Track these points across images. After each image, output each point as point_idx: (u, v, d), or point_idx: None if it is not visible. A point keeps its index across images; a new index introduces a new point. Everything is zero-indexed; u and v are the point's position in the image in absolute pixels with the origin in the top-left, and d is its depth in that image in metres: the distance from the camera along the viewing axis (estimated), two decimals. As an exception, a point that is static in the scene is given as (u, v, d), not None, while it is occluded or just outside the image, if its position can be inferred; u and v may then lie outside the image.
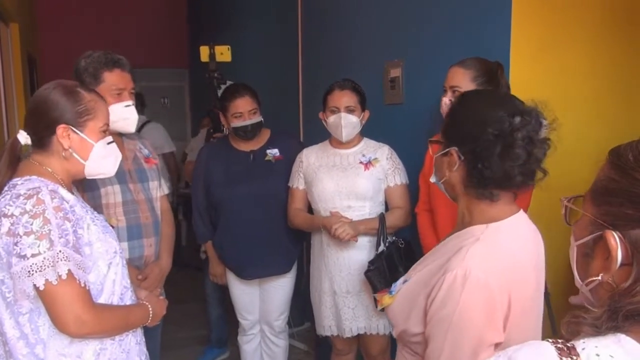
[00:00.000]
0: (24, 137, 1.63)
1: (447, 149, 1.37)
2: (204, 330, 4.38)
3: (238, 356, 3.39)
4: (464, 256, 1.25)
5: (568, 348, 0.79)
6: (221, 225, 3.02)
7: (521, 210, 1.39)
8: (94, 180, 2.18)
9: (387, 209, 2.72)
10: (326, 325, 2.76)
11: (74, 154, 1.65)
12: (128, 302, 1.74)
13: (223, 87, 3.56)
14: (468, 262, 1.23)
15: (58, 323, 1.53)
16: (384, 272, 2.40)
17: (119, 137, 2.30)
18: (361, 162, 2.66)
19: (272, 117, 3.21)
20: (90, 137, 1.67)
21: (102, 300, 1.63)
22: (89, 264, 1.59)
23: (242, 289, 3.12)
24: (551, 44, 2.50)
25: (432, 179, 1.48)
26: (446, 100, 2.25)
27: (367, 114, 2.68)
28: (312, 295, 2.85)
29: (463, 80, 2.22)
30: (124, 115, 2.24)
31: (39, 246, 1.47)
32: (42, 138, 1.63)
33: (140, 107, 5.15)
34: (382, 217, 2.57)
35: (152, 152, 2.57)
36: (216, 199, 2.99)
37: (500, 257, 1.28)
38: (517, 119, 1.27)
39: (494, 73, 2.22)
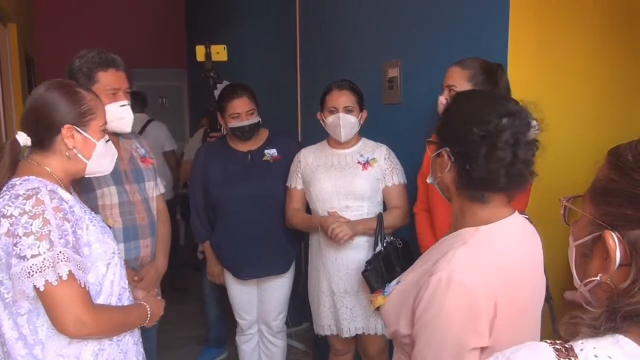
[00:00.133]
0: (23, 139, 1.63)
1: (440, 150, 1.36)
2: (202, 330, 4.38)
3: (236, 356, 3.39)
4: (449, 260, 1.24)
5: (566, 349, 0.79)
6: (219, 225, 3.01)
7: (516, 213, 1.37)
8: (90, 182, 2.18)
9: (385, 209, 2.72)
10: (325, 325, 2.76)
11: (78, 154, 1.66)
12: (126, 303, 1.74)
13: (220, 86, 3.57)
14: (453, 266, 1.23)
15: (57, 324, 1.53)
16: (382, 272, 2.40)
17: (116, 137, 2.29)
18: (359, 163, 2.66)
19: (270, 117, 3.20)
20: (93, 137, 1.68)
21: (100, 301, 1.63)
22: (88, 265, 1.59)
23: (240, 289, 3.12)
24: (549, 45, 2.50)
25: (429, 180, 1.47)
26: (442, 100, 2.25)
27: (365, 114, 2.68)
28: (310, 295, 2.85)
29: (460, 79, 2.22)
30: (120, 115, 2.23)
31: (39, 247, 1.47)
32: (45, 139, 1.63)
33: (142, 106, 5.24)
34: (380, 218, 2.57)
35: (149, 152, 2.56)
36: (214, 199, 2.98)
37: (488, 261, 1.26)
38: (504, 120, 1.25)
39: (493, 74, 2.21)
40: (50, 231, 1.48)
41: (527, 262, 1.35)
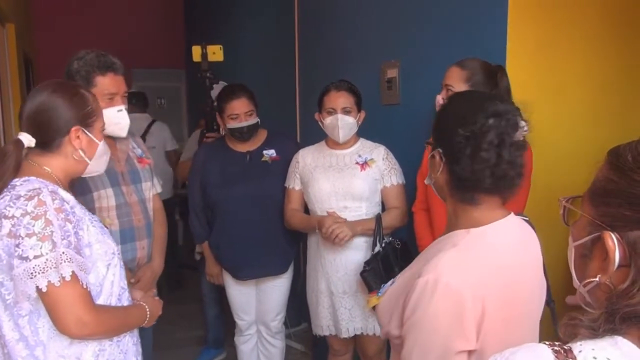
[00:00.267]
0: (28, 140, 1.62)
1: (433, 151, 1.36)
2: (200, 330, 4.37)
3: (235, 357, 3.39)
4: (437, 262, 1.23)
5: (565, 351, 0.79)
6: (217, 225, 3.01)
7: (511, 214, 1.35)
8: (86, 183, 2.17)
9: (383, 209, 2.71)
10: (323, 326, 2.76)
11: (83, 154, 1.68)
12: (125, 303, 1.75)
13: (216, 86, 3.56)
14: (441, 268, 1.22)
15: (59, 324, 1.53)
16: (380, 272, 2.40)
17: (112, 138, 2.29)
18: (357, 163, 2.65)
19: (268, 117, 3.20)
20: (96, 137, 1.71)
21: (100, 301, 1.64)
22: (89, 266, 1.60)
23: (239, 290, 3.11)
24: (547, 46, 2.50)
25: (427, 181, 1.47)
26: (439, 99, 2.25)
27: (363, 114, 2.67)
28: (308, 295, 2.85)
29: (457, 80, 2.22)
30: (116, 120, 2.22)
31: (41, 248, 1.47)
32: (52, 140, 1.64)
33: (144, 106, 5.29)
34: (378, 218, 2.56)
35: (145, 152, 2.55)
36: (213, 199, 2.98)
37: (477, 264, 1.25)
38: (490, 121, 1.24)
39: (492, 75, 2.21)
40: (52, 232, 1.48)
41: (524, 264, 1.34)
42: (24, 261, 1.47)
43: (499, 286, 1.25)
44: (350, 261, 2.62)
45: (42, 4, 6.76)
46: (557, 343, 0.81)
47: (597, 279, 0.84)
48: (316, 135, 2.85)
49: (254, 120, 2.92)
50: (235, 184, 2.92)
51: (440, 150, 1.33)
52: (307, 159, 2.76)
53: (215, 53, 3.51)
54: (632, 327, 0.78)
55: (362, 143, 2.73)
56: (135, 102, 5.15)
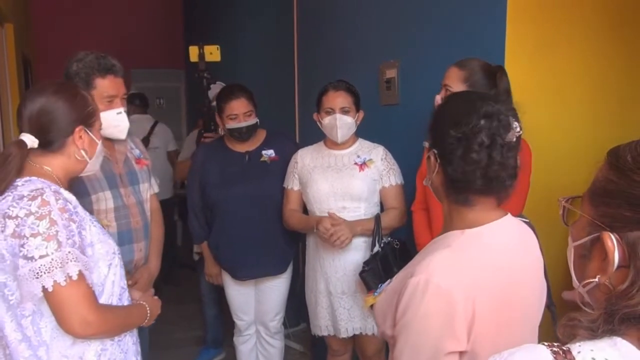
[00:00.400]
0: (30, 140, 1.62)
1: (429, 152, 1.35)
2: (199, 331, 4.37)
3: (234, 357, 3.39)
4: (429, 263, 1.23)
5: (564, 351, 0.79)
6: (217, 225, 3.01)
7: (508, 215, 1.34)
8: (83, 186, 2.17)
9: (382, 209, 2.71)
10: (322, 326, 2.75)
11: (85, 154, 1.70)
12: (125, 303, 1.76)
13: (213, 87, 3.57)
14: (432, 269, 1.21)
15: (63, 324, 1.54)
16: (379, 273, 2.39)
17: (110, 141, 2.29)
18: (356, 163, 2.65)
19: (267, 117, 3.20)
20: (96, 137, 1.73)
21: (102, 301, 1.64)
22: (91, 265, 1.60)
23: (238, 290, 3.11)
24: (546, 46, 2.50)
25: (425, 182, 1.47)
26: (438, 98, 2.25)
27: (361, 114, 2.67)
28: (307, 295, 2.85)
29: (455, 79, 2.22)
30: (116, 122, 2.21)
31: (46, 247, 1.47)
32: (56, 141, 1.65)
33: (144, 106, 5.33)
34: (377, 218, 2.56)
35: (143, 152, 2.55)
36: (212, 200, 2.98)
37: (470, 265, 1.24)
38: (482, 122, 1.22)
39: (491, 75, 2.20)
40: (57, 231, 1.49)
41: (522, 265, 1.33)
42: (30, 261, 1.47)
43: (494, 287, 1.24)
44: (349, 261, 2.62)
45: (41, 4, 6.76)
46: (555, 344, 0.80)
47: (596, 279, 0.84)
48: (315, 135, 2.85)
49: (253, 120, 2.92)
50: (235, 184, 2.92)
51: (435, 151, 1.32)
52: (306, 159, 2.76)
53: (213, 53, 3.51)
54: (631, 328, 0.77)
55: (361, 143, 2.73)
56: (137, 104, 5.19)
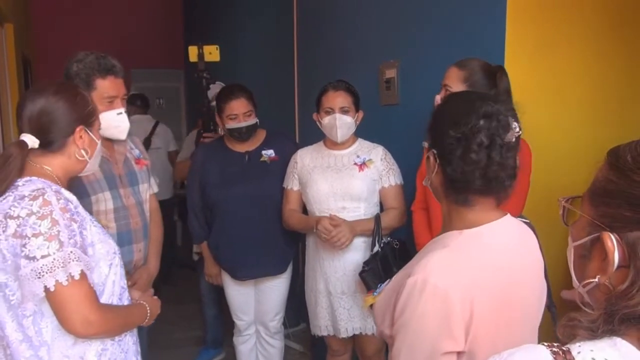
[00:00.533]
0: (31, 141, 1.62)
1: (428, 152, 1.35)
2: (199, 331, 4.37)
3: (234, 357, 3.39)
4: (426, 263, 1.23)
5: (563, 352, 0.79)
6: (216, 225, 3.01)
7: (507, 215, 1.34)
8: (83, 187, 2.17)
9: (381, 209, 2.71)
10: (322, 326, 2.75)
11: (85, 154, 1.70)
12: (126, 303, 1.76)
13: (212, 86, 3.57)
14: (429, 269, 1.21)
15: (65, 324, 1.54)
16: (379, 273, 2.39)
17: (110, 141, 2.29)
18: (356, 163, 2.65)
19: (267, 117, 3.20)
20: (95, 136, 1.73)
21: (103, 300, 1.65)
22: (92, 265, 1.61)
23: (237, 290, 3.11)
24: (546, 46, 2.50)
25: (424, 182, 1.46)
26: (437, 98, 2.25)
27: (361, 114, 2.67)
28: (307, 295, 2.85)
29: (454, 79, 2.21)
30: (116, 123, 2.21)
31: (48, 247, 1.47)
32: (57, 141, 1.65)
33: (145, 107, 5.34)
34: (377, 218, 2.56)
35: (143, 152, 2.55)
36: (212, 200, 2.98)
37: (468, 265, 1.24)
38: (481, 122, 1.22)
39: (491, 75, 2.20)
40: (59, 231, 1.49)
41: (522, 265, 1.32)
42: (31, 261, 1.47)
43: (494, 288, 1.24)
44: (349, 261, 2.62)
45: (41, 4, 6.76)
46: (555, 344, 0.80)
47: (596, 279, 0.84)
48: (315, 135, 2.85)
49: (252, 120, 2.92)
50: (235, 184, 2.92)
51: (434, 152, 1.32)
52: (306, 159, 2.76)
53: (212, 53, 3.51)
54: (631, 328, 0.77)
55: (361, 143, 2.72)
56: (137, 104, 5.21)
